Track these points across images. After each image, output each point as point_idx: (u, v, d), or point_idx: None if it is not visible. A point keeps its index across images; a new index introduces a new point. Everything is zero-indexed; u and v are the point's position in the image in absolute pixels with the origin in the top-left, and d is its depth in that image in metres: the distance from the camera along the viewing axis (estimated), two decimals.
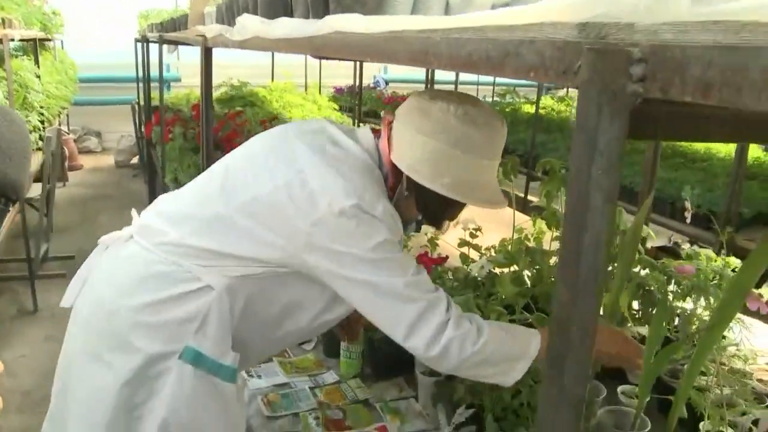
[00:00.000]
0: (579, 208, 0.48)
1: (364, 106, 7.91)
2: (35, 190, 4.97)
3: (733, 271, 1.82)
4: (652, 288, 1.79)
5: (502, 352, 1.29)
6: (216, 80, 5.82)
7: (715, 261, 1.92)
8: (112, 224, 1.53)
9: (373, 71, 11.27)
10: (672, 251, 3.20)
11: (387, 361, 1.95)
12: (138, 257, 1.36)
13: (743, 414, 1.56)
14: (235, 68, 6.74)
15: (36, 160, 4.82)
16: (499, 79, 9.89)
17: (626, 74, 0.45)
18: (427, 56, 0.72)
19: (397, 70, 11.90)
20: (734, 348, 1.83)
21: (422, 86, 8.67)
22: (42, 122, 5.25)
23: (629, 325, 1.86)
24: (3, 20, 4.66)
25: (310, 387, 1.90)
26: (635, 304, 1.89)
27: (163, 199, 1.51)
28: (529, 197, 5.37)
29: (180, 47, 7.09)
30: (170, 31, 4.87)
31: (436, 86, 6.94)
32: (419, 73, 9.52)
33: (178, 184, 3.96)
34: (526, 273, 1.90)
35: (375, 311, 1.29)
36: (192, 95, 6.47)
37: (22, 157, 2.33)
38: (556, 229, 1.91)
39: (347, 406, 1.80)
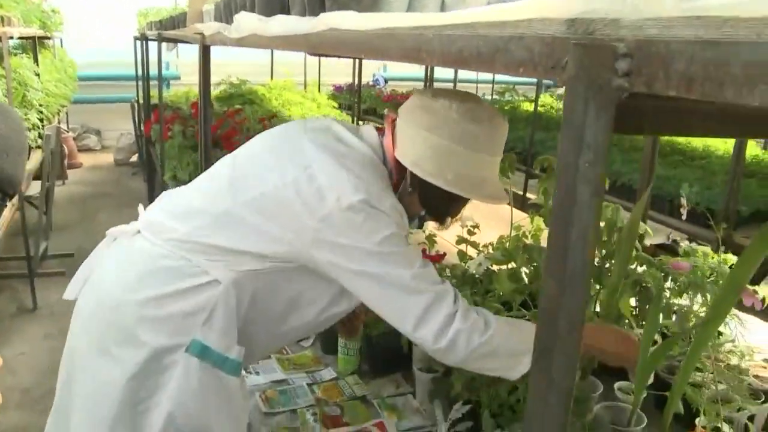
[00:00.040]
0: (566, 201, 0.49)
1: (363, 104, 7.91)
2: (34, 188, 4.98)
3: (730, 268, 1.83)
4: (649, 285, 1.80)
5: (509, 346, 1.30)
6: (215, 78, 5.83)
7: (713, 258, 1.92)
8: (112, 222, 1.54)
9: (373, 69, 11.26)
10: (671, 249, 3.21)
11: (384, 357, 1.96)
12: (146, 252, 1.37)
13: (739, 410, 1.57)
14: (234, 66, 6.75)
15: (35, 158, 4.82)
16: (498, 77, 9.88)
17: (612, 69, 0.45)
18: (420, 53, 0.73)
19: (396, 69, 11.89)
20: (731, 344, 1.84)
21: (421, 84, 8.67)
22: (41, 120, 5.24)
23: (626, 321, 1.87)
24: (2, 18, 4.66)
25: (308, 383, 1.91)
26: (632, 302, 1.90)
27: (169, 195, 1.52)
28: (528, 194, 5.37)
29: (179, 45, 7.09)
30: (169, 29, 4.88)
31: (436, 84, 6.94)
32: (418, 71, 9.53)
33: (177, 181, 3.97)
34: (524, 270, 1.90)
35: (383, 304, 1.30)
36: (191, 93, 6.48)
37: (18, 151, 2.34)
38: None
39: (345, 403, 1.81)
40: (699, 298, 1.78)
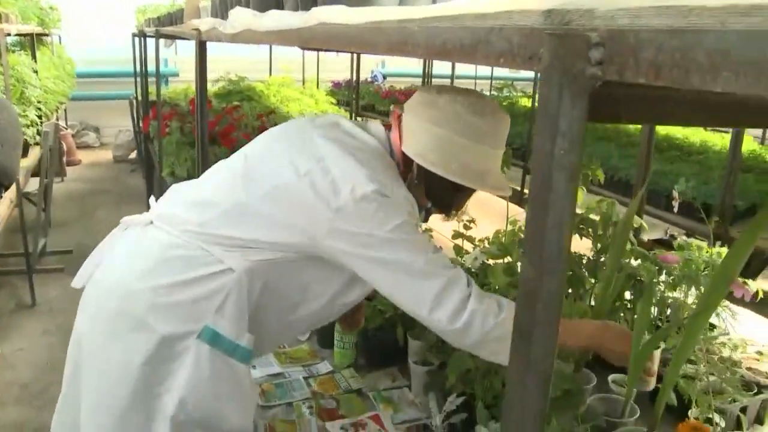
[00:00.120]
0: (543, 188, 0.50)
1: (361, 101, 7.92)
2: (33, 185, 4.99)
3: None
4: (643, 278, 1.81)
5: None
6: (214, 75, 5.83)
7: (707, 252, 1.94)
8: (111, 219, 1.56)
9: (371, 66, 11.26)
10: (668, 244, 3.22)
11: (380, 351, 1.97)
12: (160, 241, 1.39)
13: (732, 401, 1.58)
14: (233, 63, 6.75)
15: (34, 155, 4.83)
16: (496, 73, 9.89)
17: (585, 58, 0.47)
18: (406, 46, 0.74)
19: (394, 65, 11.89)
20: (726, 337, 1.85)
21: (420, 80, 8.67)
22: (39, 117, 5.25)
23: (621, 314, 1.88)
24: (0, 15, 4.66)
25: (304, 377, 1.92)
26: (627, 295, 1.91)
27: (179, 189, 1.55)
28: (526, 190, 5.38)
29: (178, 42, 7.08)
30: (167, 25, 4.88)
31: (434, 80, 6.95)
32: (417, 67, 9.52)
33: (175, 178, 3.97)
34: (519, 264, 1.91)
35: (398, 290, 1.32)
36: (189, 90, 6.48)
37: (13, 145, 2.35)
38: None
39: (341, 396, 1.82)
40: (693, 291, 1.80)
